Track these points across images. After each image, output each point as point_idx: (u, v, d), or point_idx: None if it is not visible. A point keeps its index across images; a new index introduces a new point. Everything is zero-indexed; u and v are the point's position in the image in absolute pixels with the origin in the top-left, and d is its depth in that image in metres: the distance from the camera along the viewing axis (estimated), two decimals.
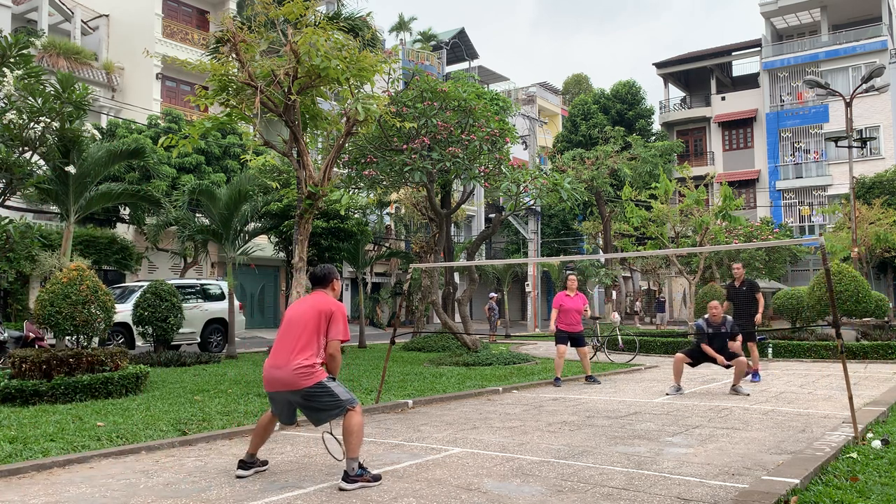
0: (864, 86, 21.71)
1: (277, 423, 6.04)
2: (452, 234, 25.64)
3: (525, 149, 39.60)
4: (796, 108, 41.51)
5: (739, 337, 10.51)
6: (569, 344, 11.67)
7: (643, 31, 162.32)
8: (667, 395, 10.00)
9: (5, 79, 11.05)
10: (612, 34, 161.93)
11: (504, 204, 18.94)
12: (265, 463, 5.56)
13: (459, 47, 45.40)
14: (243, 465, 5.35)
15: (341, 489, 4.92)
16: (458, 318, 19.27)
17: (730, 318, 10.53)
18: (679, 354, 10.47)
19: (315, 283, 5.56)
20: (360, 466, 5.09)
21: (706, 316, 10.51)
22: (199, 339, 17.22)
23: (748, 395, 9.81)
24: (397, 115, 12.92)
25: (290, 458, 5.94)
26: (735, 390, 9.99)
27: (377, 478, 5.14)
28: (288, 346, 5.20)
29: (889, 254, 27.61)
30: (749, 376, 11.59)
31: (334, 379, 5.27)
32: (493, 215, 31.72)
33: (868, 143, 33.78)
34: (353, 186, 16.36)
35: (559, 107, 51.36)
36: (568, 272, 12.09)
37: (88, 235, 20.65)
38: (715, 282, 24.45)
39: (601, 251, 36.03)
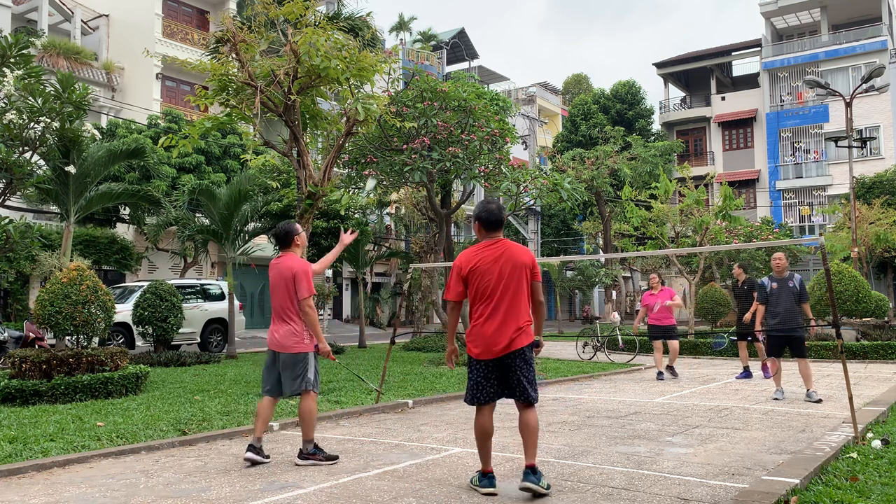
0: (864, 86, 21.70)
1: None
2: (452, 234, 25.63)
3: (525, 149, 39.62)
4: (796, 108, 41.52)
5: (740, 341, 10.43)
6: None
7: (652, 32, 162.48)
8: (775, 399, 9.20)
9: (5, 79, 11.04)
10: (620, 35, 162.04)
11: (504, 204, 18.94)
12: (268, 456, 5.84)
13: (459, 47, 45.39)
14: (253, 449, 5.68)
15: (296, 465, 5.60)
16: None
17: (798, 275, 9.33)
18: (771, 359, 9.51)
19: (280, 244, 5.93)
20: (316, 447, 5.69)
21: (770, 273, 9.54)
22: (199, 339, 17.23)
23: (820, 400, 8.87)
24: (397, 115, 12.93)
25: (289, 457, 5.93)
26: (808, 396, 9.00)
27: (331, 458, 5.67)
28: (277, 312, 5.76)
29: (889, 254, 27.58)
30: (749, 374, 12.03)
31: (316, 357, 5.81)
32: None
33: (868, 143, 33.78)
34: (353, 186, 16.36)
35: (559, 107, 51.36)
36: (651, 274, 12.72)
37: (88, 235, 20.65)
38: (715, 282, 24.44)
39: (601, 251, 36.04)
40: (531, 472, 4.68)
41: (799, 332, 9.07)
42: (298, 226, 5.97)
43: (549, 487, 4.76)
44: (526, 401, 4.77)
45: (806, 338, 9.19)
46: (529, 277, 4.86)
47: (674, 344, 12.20)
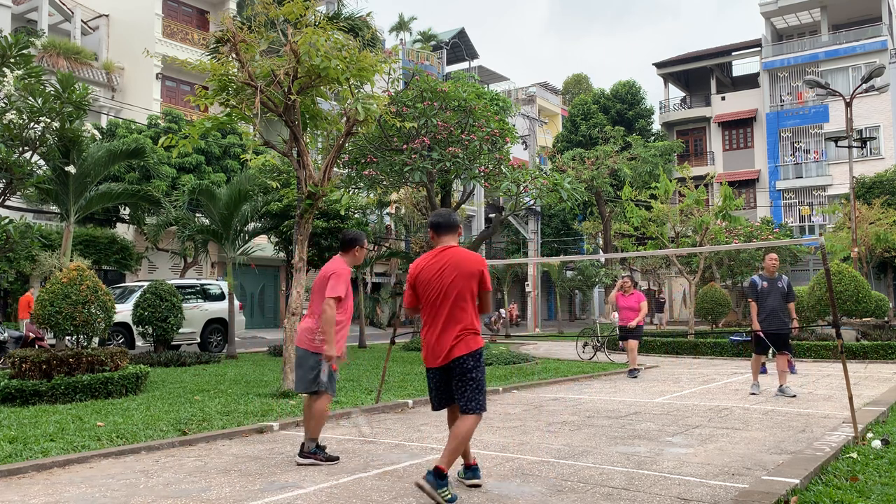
0: (864, 86, 21.70)
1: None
2: None
3: (525, 149, 39.60)
4: (796, 108, 41.51)
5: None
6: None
7: (652, 32, 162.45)
8: (752, 394, 9.56)
9: (5, 79, 11.04)
10: (620, 35, 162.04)
11: (504, 204, 18.94)
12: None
13: (459, 47, 45.39)
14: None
15: (297, 464, 5.60)
16: None
17: (785, 276, 9.67)
18: (754, 355, 9.96)
19: (340, 247, 6.12)
20: (318, 446, 5.68)
21: (761, 272, 9.82)
22: (199, 339, 17.23)
23: (794, 396, 9.31)
24: (397, 115, 12.93)
25: (290, 457, 5.93)
26: (781, 391, 9.43)
27: (332, 458, 5.65)
28: (309, 310, 5.90)
29: (889, 254, 27.60)
30: (765, 369, 12.02)
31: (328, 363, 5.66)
32: (493, 215, 31.70)
33: (868, 143, 33.77)
34: (353, 186, 16.36)
35: (559, 107, 51.35)
36: (624, 276, 13.25)
37: (88, 235, 20.66)
38: (715, 282, 24.43)
39: (601, 251, 36.04)
40: (434, 474, 4.39)
41: (785, 330, 9.44)
42: (365, 241, 6.07)
43: (452, 500, 4.41)
44: (464, 410, 4.64)
45: (791, 336, 9.46)
46: (478, 287, 4.73)
47: (631, 343, 12.74)
